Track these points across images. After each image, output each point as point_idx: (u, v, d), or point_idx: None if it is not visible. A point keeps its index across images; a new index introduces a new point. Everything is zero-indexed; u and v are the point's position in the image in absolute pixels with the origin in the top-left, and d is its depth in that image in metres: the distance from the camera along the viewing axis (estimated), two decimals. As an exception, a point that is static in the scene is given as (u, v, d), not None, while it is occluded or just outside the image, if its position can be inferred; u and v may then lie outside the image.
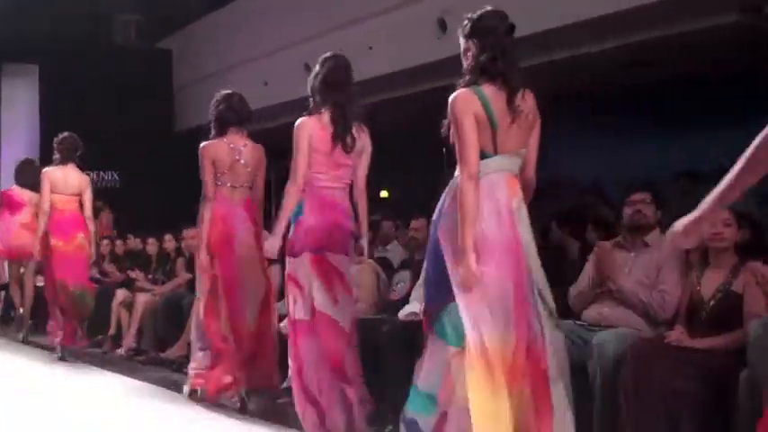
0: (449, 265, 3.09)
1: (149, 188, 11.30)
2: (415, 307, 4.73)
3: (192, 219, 9.03)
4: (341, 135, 4.12)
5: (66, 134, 6.96)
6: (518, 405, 2.97)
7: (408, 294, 4.98)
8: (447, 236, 3.11)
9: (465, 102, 3.09)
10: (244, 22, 11.28)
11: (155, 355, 6.82)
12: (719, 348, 3.44)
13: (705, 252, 3.70)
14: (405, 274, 5.21)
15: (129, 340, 7.34)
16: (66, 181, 6.86)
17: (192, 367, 5.18)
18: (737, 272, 3.62)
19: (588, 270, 4.04)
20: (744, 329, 3.41)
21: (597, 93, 9.05)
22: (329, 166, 4.14)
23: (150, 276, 7.93)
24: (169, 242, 7.77)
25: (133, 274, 8.02)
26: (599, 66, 7.90)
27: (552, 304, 3.14)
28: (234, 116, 5.07)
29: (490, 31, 3.18)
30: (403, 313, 4.78)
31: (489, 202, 3.07)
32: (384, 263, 5.60)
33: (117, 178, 12.23)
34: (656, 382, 3.28)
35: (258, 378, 4.97)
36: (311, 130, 4.10)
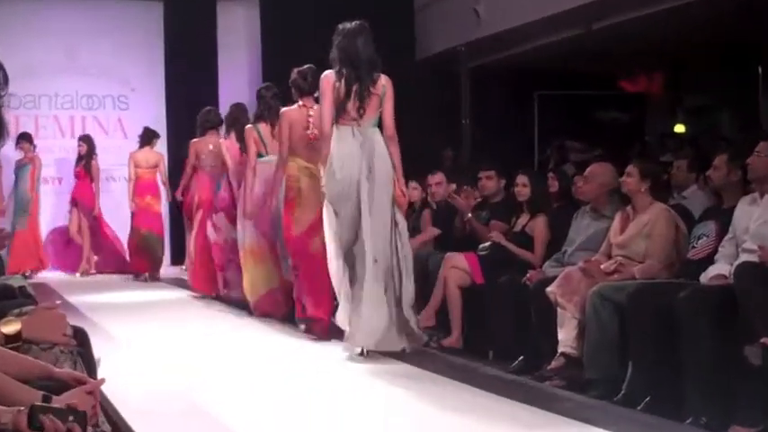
0: None
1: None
2: (722, 268, 4.09)
3: (435, 163, 8.17)
4: None
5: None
6: None
7: (713, 252, 4.22)
8: None
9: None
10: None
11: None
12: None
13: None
14: (708, 226, 4.36)
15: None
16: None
17: None
18: None
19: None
20: None
21: None
22: None
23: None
24: (414, 190, 6.61)
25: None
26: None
27: None
28: None
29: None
30: (706, 276, 4.11)
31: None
32: (681, 212, 4.68)
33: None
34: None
35: None
36: None
